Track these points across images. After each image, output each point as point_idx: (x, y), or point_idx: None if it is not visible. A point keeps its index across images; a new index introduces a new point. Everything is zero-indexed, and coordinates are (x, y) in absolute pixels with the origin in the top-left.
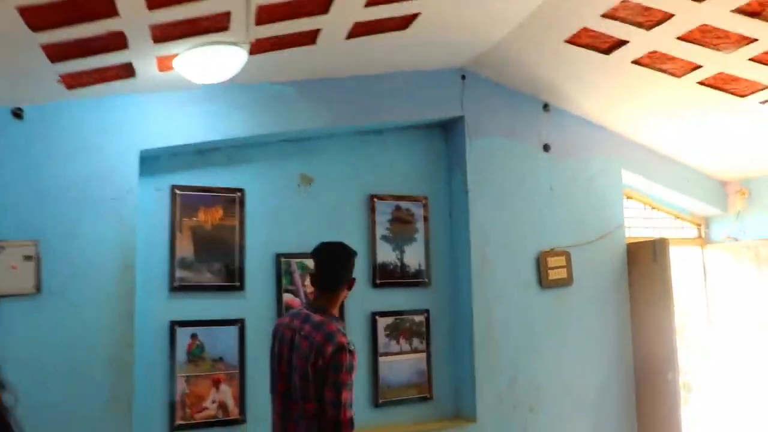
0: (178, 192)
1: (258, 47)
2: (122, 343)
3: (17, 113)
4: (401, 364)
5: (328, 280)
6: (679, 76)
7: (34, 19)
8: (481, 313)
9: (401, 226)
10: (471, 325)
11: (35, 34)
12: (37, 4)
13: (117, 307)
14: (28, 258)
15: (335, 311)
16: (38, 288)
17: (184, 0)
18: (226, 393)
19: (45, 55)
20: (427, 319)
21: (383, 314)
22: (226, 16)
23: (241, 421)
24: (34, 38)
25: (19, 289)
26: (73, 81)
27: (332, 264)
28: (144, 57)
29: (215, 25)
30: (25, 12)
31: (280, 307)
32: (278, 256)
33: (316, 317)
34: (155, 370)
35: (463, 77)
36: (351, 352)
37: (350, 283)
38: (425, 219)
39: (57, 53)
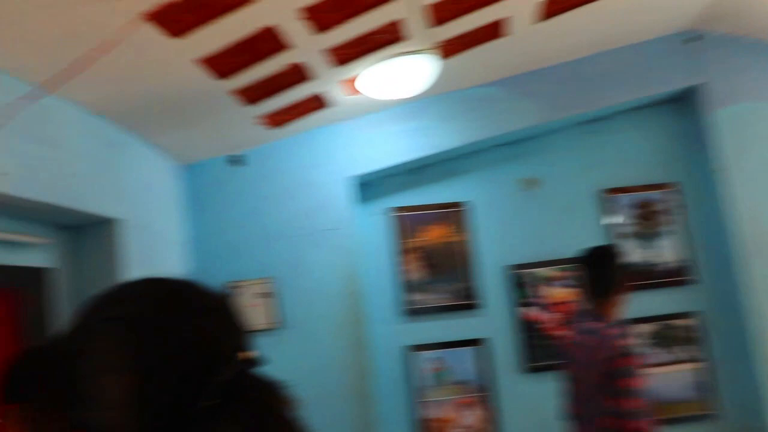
0: (397, 214)
1: (447, 51)
2: (359, 370)
3: (238, 160)
4: (672, 377)
5: (598, 284)
6: None
7: (217, 68)
8: (762, 310)
9: (647, 219)
10: (750, 326)
11: (222, 82)
12: (214, 54)
13: (350, 335)
14: (264, 295)
15: (613, 316)
16: (279, 322)
17: (347, 17)
18: (478, 417)
19: (240, 100)
20: (700, 322)
21: (641, 320)
22: (396, 24)
23: None
24: (224, 86)
25: (261, 325)
26: (275, 120)
27: (598, 268)
28: (329, 83)
29: (390, 36)
30: (206, 62)
31: (519, 324)
32: (511, 267)
33: (593, 324)
34: (396, 396)
35: (694, 39)
36: (635, 356)
37: (623, 286)
38: (677, 208)
39: (249, 96)
